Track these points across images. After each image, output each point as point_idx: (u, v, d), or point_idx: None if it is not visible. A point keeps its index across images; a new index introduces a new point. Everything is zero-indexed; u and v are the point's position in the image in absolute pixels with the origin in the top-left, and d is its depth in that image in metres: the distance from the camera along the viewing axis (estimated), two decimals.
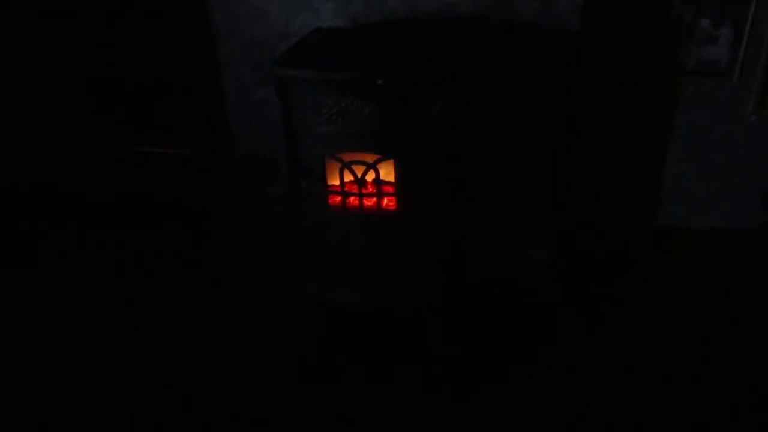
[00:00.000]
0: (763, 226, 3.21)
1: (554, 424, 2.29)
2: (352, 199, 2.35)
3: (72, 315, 2.84)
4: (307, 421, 2.32)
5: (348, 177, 2.29)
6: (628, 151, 3.16)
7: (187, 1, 2.86)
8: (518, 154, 2.87)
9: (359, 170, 2.27)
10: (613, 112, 3.07)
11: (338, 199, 2.36)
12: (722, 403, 2.34)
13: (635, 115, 3.07)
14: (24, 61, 3.33)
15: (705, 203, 3.22)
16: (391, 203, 2.37)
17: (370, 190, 2.33)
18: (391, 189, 2.33)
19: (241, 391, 2.43)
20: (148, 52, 3.21)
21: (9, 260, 3.20)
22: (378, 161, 2.25)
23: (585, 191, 3.21)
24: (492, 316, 2.75)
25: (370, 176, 2.28)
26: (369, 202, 2.36)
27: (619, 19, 2.86)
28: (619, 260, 3.10)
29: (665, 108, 3.03)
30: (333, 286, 2.53)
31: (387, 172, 2.30)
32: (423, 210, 2.34)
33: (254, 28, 2.78)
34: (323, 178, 2.32)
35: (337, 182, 2.32)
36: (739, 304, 2.80)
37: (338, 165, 2.28)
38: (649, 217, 3.30)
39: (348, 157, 2.27)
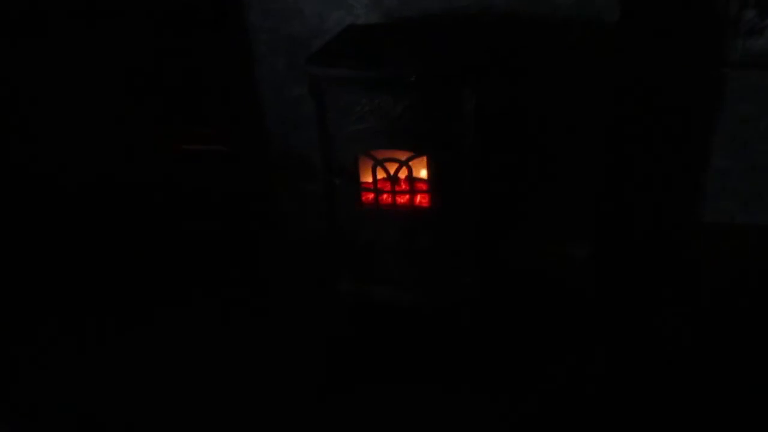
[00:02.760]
0: None
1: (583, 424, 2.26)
2: (385, 196, 2.35)
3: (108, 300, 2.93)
4: (335, 418, 2.31)
5: (381, 174, 2.29)
6: (671, 145, 3.08)
7: None
8: (554, 148, 2.82)
9: (392, 167, 2.27)
10: (656, 106, 3.00)
11: (371, 196, 2.36)
12: None
13: (679, 109, 2.99)
14: (68, 62, 3.41)
15: (751, 199, 3.12)
16: (424, 200, 2.36)
17: (403, 187, 2.33)
18: (424, 186, 2.33)
19: (270, 386, 2.42)
20: (185, 49, 3.26)
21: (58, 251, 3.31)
22: (411, 158, 2.24)
23: (626, 186, 3.15)
24: (528, 312, 2.71)
25: (403, 173, 2.28)
26: (402, 199, 2.35)
27: (660, 10, 2.79)
28: (661, 257, 3.03)
29: (710, 101, 2.94)
30: (367, 282, 2.55)
31: (420, 169, 2.29)
32: (456, 207, 2.33)
33: (289, 25, 2.80)
34: (356, 175, 2.32)
35: (370, 179, 2.32)
36: None
37: (371, 162, 2.28)
38: (694, 213, 3.22)
39: (381, 154, 2.27)
